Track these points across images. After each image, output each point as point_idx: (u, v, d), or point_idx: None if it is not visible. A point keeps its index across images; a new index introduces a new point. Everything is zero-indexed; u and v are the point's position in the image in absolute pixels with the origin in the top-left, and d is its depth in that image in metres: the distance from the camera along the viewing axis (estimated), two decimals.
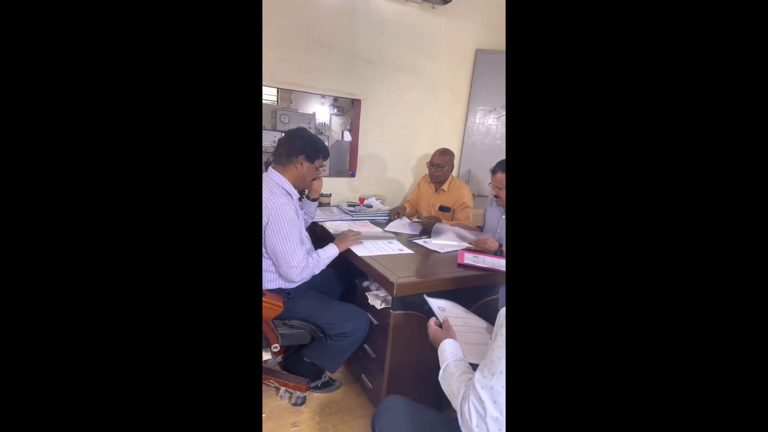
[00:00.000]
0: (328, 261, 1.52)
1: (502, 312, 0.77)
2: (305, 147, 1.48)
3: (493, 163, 1.75)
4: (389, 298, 1.35)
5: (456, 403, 0.78)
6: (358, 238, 1.64)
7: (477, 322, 1.16)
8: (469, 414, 0.73)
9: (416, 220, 2.03)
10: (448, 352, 0.92)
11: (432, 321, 1.08)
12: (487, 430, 0.70)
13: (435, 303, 1.21)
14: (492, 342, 0.75)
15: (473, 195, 2.68)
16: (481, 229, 2.03)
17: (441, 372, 0.89)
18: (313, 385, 1.60)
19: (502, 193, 1.74)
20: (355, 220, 2.09)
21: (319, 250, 1.51)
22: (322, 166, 1.58)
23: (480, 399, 0.71)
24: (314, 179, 1.60)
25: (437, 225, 1.85)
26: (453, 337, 0.99)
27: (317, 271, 1.48)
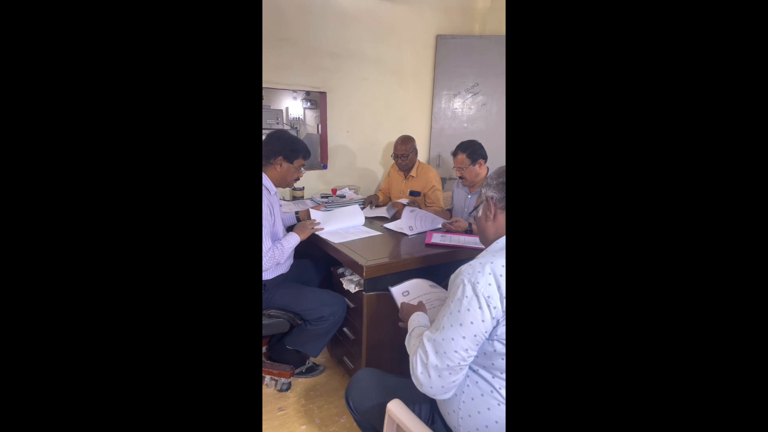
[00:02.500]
0: (291, 249, 1.59)
1: (452, 277, 0.85)
2: (283, 148, 1.56)
3: None
4: (362, 281, 1.41)
5: (410, 358, 0.86)
6: (317, 226, 1.69)
7: (442, 294, 1.23)
8: (416, 364, 0.82)
9: (385, 207, 2.09)
10: (415, 321, 1.00)
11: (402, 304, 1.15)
12: (429, 376, 0.80)
13: (398, 291, 1.24)
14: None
15: (445, 178, 2.76)
16: (450, 211, 2.11)
17: (407, 337, 0.96)
18: (297, 371, 1.66)
19: (466, 173, 1.83)
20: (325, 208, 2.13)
21: (282, 240, 1.57)
22: (302, 166, 1.64)
23: (425, 350, 0.81)
24: (296, 179, 1.67)
25: (407, 208, 1.86)
26: (423, 311, 1.07)
27: (282, 260, 1.53)
